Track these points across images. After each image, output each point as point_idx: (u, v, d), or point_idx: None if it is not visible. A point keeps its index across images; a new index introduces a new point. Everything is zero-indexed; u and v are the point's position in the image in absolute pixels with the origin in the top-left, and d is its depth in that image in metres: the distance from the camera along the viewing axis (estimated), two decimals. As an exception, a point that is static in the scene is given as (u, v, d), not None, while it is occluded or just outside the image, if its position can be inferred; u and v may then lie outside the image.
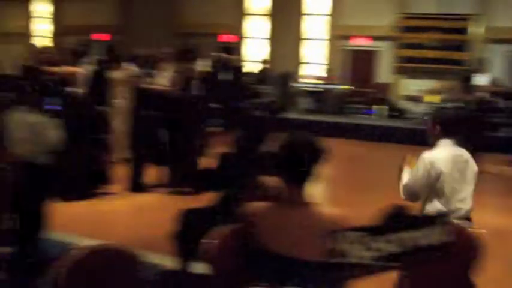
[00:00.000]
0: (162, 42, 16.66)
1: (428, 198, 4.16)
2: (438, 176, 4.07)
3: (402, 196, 4.28)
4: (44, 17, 21.98)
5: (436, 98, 13.67)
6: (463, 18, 15.23)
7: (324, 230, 2.56)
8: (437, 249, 2.34)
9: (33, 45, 8.22)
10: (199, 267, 4.86)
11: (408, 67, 15.92)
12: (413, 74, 15.80)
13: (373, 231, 2.26)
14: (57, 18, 21.69)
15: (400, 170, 4.40)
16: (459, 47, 15.31)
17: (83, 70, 7.79)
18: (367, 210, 2.75)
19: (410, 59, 15.84)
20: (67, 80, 7.65)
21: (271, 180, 3.19)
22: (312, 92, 16.59)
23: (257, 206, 2.70)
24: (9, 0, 21.64)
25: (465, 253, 3.10)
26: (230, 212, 3.97)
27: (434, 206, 4.10)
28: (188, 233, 4.52)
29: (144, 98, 8.11)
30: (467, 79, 10.28)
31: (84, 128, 7.40)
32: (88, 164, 7.59)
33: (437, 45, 15.54)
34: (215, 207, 4.55)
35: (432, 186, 4.10)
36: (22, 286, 4.66)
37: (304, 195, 2.64)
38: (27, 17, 22.19)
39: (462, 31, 15.29)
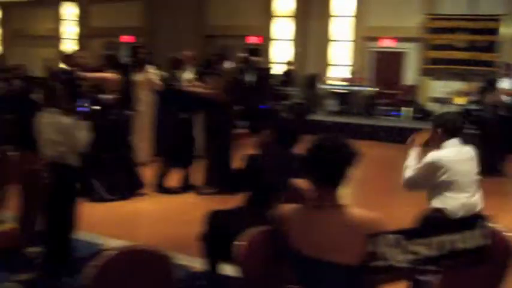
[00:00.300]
0: (189, 44, 16.81)
1: (436, 194, 4.31)
2: (445, 174, 4.25)
3: (403, 185, 4.51)
4: (72, 20, 22.21)
5: (465, 100, 13.54)
6: (493, 18, 15.01)
7: (357, 232, 2.55)
8: (475, 253, 2.31)
9: (69, 49, 8.22)
10: (228, 269, 4.89)
11: (435, 69, 15.76)
12: (441, 75, 15.64)
13: (412, 234, 2.24)
14: (84, 20, 21.91)
15: (408, 149, 4.59)
16: (488, 48, 15.09)
17: (115, 75, 7.82)
18: (396, 212, 2.73)
19: (437, 61, 15.68)
20: (100, 85, 7.72)
21: (301, 183, 3.17)
22: (338, 93, 16.52)
23: (289, 208, 2.69)
24: (39, 4, 21.92)
25: (500, 257, 3.05)
26: (258, 214, 3.96)
27: (445, 202, 4.24)
28: (216, 235, 4.52)
29: (177, 100, 8.12)
30: (491, 82, 10.14)
31: (121, 132, 7.54)
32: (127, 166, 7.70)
33: (465, 46, 15.35)
34: (243, 209, 4.55)
35: (438, 183, 4.27)
36: (53, 286, 4.71)
37: (336, 198, 2.62)
38: (56, 19, 22.45)
39: (491, 32, 15.07)
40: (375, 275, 2.22)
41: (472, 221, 2.37)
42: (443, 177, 4.26)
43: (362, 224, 2.57)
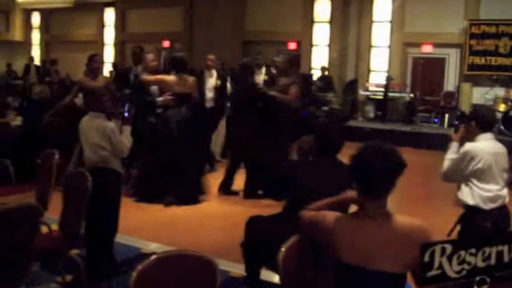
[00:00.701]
0: (227, 49, 16.90)
1: (468, 186, 4.53)
2: (479, 163, 4.44)
3: (440, 177, 4.75)
4: (112, 26, 22.53)
5: (507, 107, 13.30)
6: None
7: (405, 241, 2.52)
8: None
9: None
10: (268, 275, 4.88)
11: (477, 75, 15.52)
12: (482, 81, 15.38)
13: (468, 244, 2.20)
14: (122, 26, 22.20)
15: (449, 141, 4.83)
16: (532, 54, 14.81)
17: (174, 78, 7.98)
18: (432, 219, 2.70)
19: (479, 67, 15.42)
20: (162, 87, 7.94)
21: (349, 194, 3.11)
22: (377, 100, 16.38)
23: (335, 217, 2.65)
24: (79, 10, 22.29)
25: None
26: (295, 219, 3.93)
27: (476, 195, 4.46)
28: (255, 241, 4.50)
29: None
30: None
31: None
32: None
33: (507, 52, 15.08)
34: (282, 216, 4.52)
35: (471, 173, 4.46)
36: (96, 286, 4.77)
37: (384, 206, 2.58)
38: (96, 25, 22.80)
39: (535, 37, 14.79)
40: (431, 285, 2.19)
41: None
42: (478, 166, 4.43)
43: (411, 232, 2.53)
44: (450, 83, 16.20)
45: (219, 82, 9.74)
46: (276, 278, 4.88)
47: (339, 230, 2.59)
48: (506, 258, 2.28)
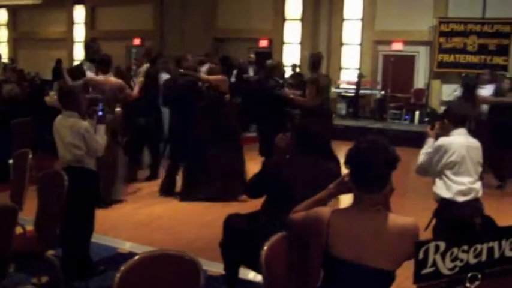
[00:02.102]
0: (198, 47, 16.85)
1: (442, 179, 4.71)
2: (452, 155, 4.64)
3: (415, 170, 4.97)
4: (82, 23, 22.29)
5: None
6: (504, 22, 14.97)
7: (397, 238, 2.53)
8: None
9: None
10: (246, 273, 4.88)
11: (446, 72, 15.72)
12: (451, 79, 15.58)
13: (461, 241, 2.23)
14: (92, 23, 21.97)
15: (427, 136, 5.00)
16: (499, 51, 15.05)
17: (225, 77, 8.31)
18: (412, 215, 2.72)
19: (448, 64, 15.64)
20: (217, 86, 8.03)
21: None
22: (349, 97, 16.49)
23: (327, 211, 2.66)
24: (51, 7, 22.00)
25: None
26: (275, 219, 3.93)
27: (451, 188, 4.64)
28: (234, 239, 4.50)
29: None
30: (469, 89, 9.65)
31: None
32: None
33: (476, 49, 15.31)
34: (259, 214, 4.51)
35: (445, 165, 4.65)
36: (72, 287, 4.72)
37: (377, 202, 2.60)
38: (66, 23, 22.53)
39: (503, 35, 15.03)
40: (426, 282, 2.21)
41: None
42: (451, 159, 4.63)
43: (403, 229, 2.55)
44: (420, 80, 16.39)
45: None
46: (253, 276, 4.91)
47: (332, 224, 2.60)
48: (496, 255, 2.32)
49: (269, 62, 9.60)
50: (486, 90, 9.52)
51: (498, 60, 14.96)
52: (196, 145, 7.76)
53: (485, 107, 9.43)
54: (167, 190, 8.01)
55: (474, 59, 15.27)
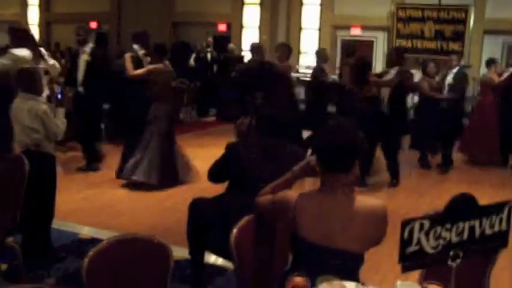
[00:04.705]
0: (156, 31, 16.61)
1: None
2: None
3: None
4: (36, 5, 21.75)
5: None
6: (460, 8, 15.20)
7: (367, 220, 2.55)
8: (498, 237, 2.34)
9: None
10: (211, 258, 4.86)
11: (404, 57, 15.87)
12: (409, 64, 15.71)
13: (444, 219, 2.24)
14: (47, 6, 21.45)
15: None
16: (455, 37, 15.29)
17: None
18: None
19: (405, 50, 15.79)
20: None
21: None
22: (308, 82, 16.51)
23: (296, 195, 2.65)
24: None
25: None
26: (239, 203, 3.91)
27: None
28: (199, 224, 4.46)
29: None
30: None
31: None
32: None
33: (432, 35, 15.52)
34: (223, 197, 4.47)
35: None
36: (33, 275, 4.61)
37: (347, 184, 2.60)
38: (20, 4, 21.94)
39: (458, 21, 15.26)
40: (410, 261, 2.22)
41: (500, 205, 2.38)
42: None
43: (371, 212, 2.57)
44: (378, 65, 16.50)
45: None
46: (218, 260, 4.89)
47: (300, 207, 2.59)
48: (477, 233, 2.35)
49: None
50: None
51: (454, 46, 15.18)
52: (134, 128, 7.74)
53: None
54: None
55: (431, 44, 15.47)
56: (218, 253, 4.47)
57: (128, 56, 7.79)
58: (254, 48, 9.83)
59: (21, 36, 7.00)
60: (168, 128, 7.66)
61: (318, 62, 10.35)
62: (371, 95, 7.79)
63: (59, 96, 5.24)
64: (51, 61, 7.15)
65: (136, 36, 8.18)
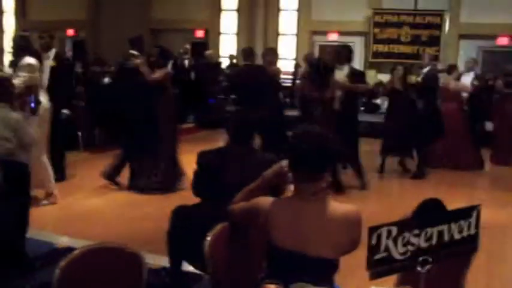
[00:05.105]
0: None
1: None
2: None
3: None
4: (11, 12, 21.55)
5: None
6: (435, 14, 15.38)
7: (340, 226, 2.53)
8: (467, 242, 2.35)
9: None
10: (191, 266, 4.82)
11: (381, 62, 16.01)
12: (386, 69, 15.85)
13: (411, 225, 2.25)
14: (24, 12, 21.27)
15: None
16: (431, 42, 15.46)
17: None
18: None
19: (382, 54, 15.94)
20: None
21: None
22: (286, 87, 16.54)
23: (268, 201, 2.64)
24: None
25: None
26: (215, 209, 3.89)
27: None
28: (179, 231, 4.42)
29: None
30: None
31: None
32: None
33: (409, 40, 15.67)
34: (201, 204, 4.45)
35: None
36: (7, 285, 4.56)
37: (319, 190, 2.58)
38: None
39: (434, 26, 15.43)
40: (378, 268, 2.22)
41: (468, 210, 2.40)
42: None
43: (345, 217, 2.55)
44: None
45: None
46: (199, 269, 4.86)
47: (273, 214, 2.58)
48: (446, 238, 2.36)
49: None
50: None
51: (430, 50, 15.28)
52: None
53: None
54: (109, 175, 7.81)
55: (407, 49, 15.63)
56: (193, 262, 4.44)
57: (140, 61, 7.78)
58: (246, 53, 9.75)
59: (25, 44, 7.03)
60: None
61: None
62: (330, 98, 7.76)
63: (33, 105, 5.18)
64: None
65: (132, 42, 8.25)
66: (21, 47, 6.91)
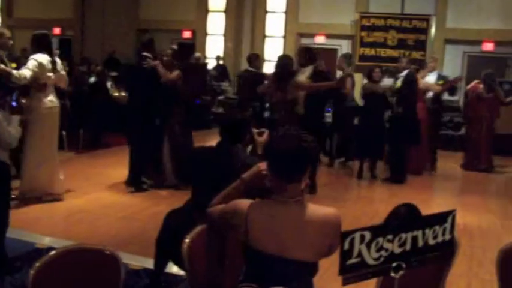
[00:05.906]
0: (120, 38, 16.55)
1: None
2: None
3: None
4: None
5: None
6: (421, 18, 15.46)
7: (319, 229, 2.52)
8: (443, 247, 2.34)
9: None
10: (173, 268, 4.81)
11: (368, 66, 16.02)
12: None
13: (385, 230, 2.24)
14: (9, 10, 21.12)
15: None
16: (417, 46, 15.53)
17: None
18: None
19: (369, 58, 15.96)
20: None
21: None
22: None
23: (248, 205, 2.61)
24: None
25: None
26: (200, 211, 3.88)
27: None
28: (168, 235, 4.40)
29: None
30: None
31: None
32: None
33: (395, 44, 15.73)
34: (187, 206, 4.44)
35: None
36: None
37: (298, 193, 2.57)
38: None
39: (420, 31, 15.51)
40: (351, 273, 2.21)
41: (443, 215, 2.39)
42: None
43: (324, 220, 2.53)
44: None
45: None
46: (176, 269, 4.85)
47: (251, 217, 2.55)
48: (420, 244, 2.35)
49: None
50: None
51: (416, 54, 15.38)
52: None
53: None
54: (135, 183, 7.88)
55: (394, 53, 15.64)
56: (178, 263, 4.43)
57: (158, 62, 7.87)
58: (251, 58, 9.80)
59: (42, 42, 7.02)
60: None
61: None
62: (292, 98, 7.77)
63: (14, 103, 5.14)
64: (62, 71, 7.17)
65: (144, 45, 8.30)
66: (39, 44, 6.93)
